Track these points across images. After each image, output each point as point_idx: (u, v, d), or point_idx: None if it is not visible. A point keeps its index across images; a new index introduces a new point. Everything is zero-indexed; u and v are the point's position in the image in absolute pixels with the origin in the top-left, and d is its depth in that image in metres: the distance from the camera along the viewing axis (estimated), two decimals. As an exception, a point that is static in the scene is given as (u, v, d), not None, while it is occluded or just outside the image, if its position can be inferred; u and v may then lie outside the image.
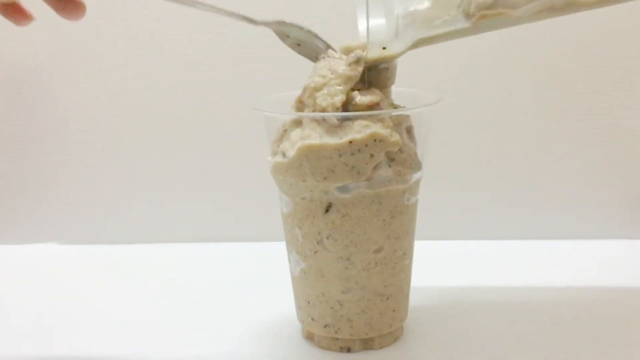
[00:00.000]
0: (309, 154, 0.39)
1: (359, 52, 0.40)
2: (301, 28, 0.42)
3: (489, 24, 0.38)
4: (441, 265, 0.56)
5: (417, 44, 0.40)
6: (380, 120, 0.39)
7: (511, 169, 0.62)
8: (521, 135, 0.61)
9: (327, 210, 0.40)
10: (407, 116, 0.41)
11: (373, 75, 0.41)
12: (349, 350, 0.43)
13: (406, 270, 0.44)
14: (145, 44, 0.62)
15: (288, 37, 0.42)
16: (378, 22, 0.40)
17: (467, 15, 0.38)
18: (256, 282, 0.54)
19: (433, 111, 0.42)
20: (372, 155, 0.39)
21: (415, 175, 0.41)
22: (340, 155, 0.38)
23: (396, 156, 0.40)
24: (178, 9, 0.61)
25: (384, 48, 0.40)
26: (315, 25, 0.42)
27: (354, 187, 0.39)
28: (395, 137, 0.39)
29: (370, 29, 0.39)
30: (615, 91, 0.59)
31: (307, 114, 0.40)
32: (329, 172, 0.39)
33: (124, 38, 0.62)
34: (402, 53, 0.40)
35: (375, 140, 0.38)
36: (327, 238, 0.41)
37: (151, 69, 0.62)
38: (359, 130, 0.38)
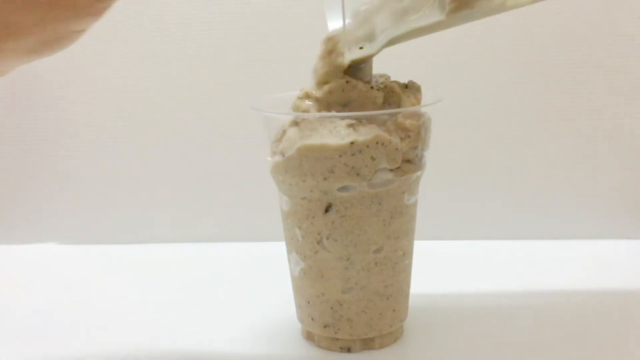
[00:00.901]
0: (309, 154, 0.39)
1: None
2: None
3: (464, 15, 0.37)
4: (441, 265, 0.56)
5: (393, 42, 0.40)
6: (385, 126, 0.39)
7: (511, 169, 0.62)
8: (521, 135, 0.61)
9: (326, 211, 0.40)
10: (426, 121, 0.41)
11: (351, 72, 0.41)
12: (349, 350, 0.43)
13: (406, 270, 0.43)
14: (145, 44, 0.62)
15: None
16: (349, 22, 0.39)
17: (442, 8, 0.37)
18: (256, 282, 0.54)
19: (433, 111, 0.42)
20: (373, 158, 0.38)
21: (415, 175, 0.41)
22: (340, 156, 0.38)
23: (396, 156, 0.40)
24: (177, 10, 0.62)
25: (360, 48, 0.39)
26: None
27: (354, 186, 0.39)
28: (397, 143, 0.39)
29: (346, 31, 0.39)
30: (616, 91, 0.59)
31: (307, 114, 0.40)
32: (329, 173, 0.39)
33: (124, 38, 0.62)
34: (378, 51, 0.40)
35: (377, 143, 0.38)
36: (327, 238, 0.41)
37: (151, 69, 0.62)
38: (363, 132, 0.38)
